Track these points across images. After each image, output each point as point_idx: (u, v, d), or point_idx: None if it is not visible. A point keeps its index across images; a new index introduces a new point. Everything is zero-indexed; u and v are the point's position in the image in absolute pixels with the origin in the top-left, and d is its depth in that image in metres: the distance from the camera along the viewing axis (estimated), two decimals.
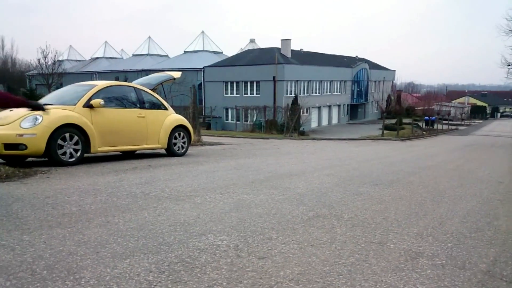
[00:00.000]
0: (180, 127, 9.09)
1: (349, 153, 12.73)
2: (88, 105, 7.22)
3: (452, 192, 6.07)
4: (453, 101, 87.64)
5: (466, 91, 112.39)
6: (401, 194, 5.69)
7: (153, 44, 59.77)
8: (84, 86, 7.87)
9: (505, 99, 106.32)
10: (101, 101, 7.35)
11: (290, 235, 3.51)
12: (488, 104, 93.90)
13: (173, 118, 8.97)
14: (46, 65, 39.00)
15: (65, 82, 36.89)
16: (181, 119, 9.22)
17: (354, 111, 53.84)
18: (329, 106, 46.48)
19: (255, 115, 36.23)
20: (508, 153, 16.29)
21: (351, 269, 2.82)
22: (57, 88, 27.15)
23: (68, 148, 6.82)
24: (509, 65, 17.39)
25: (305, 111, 36.10)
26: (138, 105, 8.26)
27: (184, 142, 9.24)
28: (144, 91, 8.58)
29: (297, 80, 39.29)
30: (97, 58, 63.15)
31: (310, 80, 41.59)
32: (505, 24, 30.42)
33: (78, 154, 6.98)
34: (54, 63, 39.79)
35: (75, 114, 6.96)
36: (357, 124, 48.35)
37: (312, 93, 42.26)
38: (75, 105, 7.10)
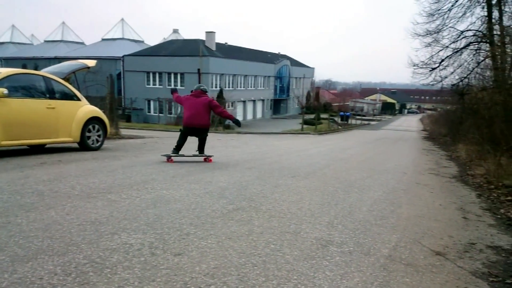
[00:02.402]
0: (94, 119, 8.58)
1: (271, 146, 13.07)
2: None
3: (361, 182, 6.53)
4: (366, 98, 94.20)
5: (378, 88, 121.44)
6: (316, 185, 5.99)
7: (68, 30, 55.53)
8: None
9: (411, 96, 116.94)
10: (5, 91, 6.69)
11: (208, 229, 3.51)
12: (397, 101, 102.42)
13: (86, 109, 8.45)
14: None
15: None
16: (95, 111, 8.71)
17: (277, 106, 55.31)
18: (254, 101, 47.20)
19: (179, 107, 35.45)
20: (413, 146, 17.95)
21: (266, 259, 2.91)
22: None
23: None
24: (414, 66, 19.03)
25: (230, 104, 36.25)
26: (48, 95, 7.64)
27: (99, 135, 8.74)
28: (54, 80, 7.96)
29: (222, 74, 39.26)
30: (2, 43, 57.14)
31: (235, 74, 41.81)
32: (412, 28, 33.34)
33: None
34: None
35: None
36: (280, 118, 49.75)
37: (237, 87, 42.54)
38: None
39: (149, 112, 38.64)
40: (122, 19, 50.42)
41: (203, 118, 7.60)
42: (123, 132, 13.92)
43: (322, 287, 2.53)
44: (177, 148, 7.61)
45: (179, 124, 30.49)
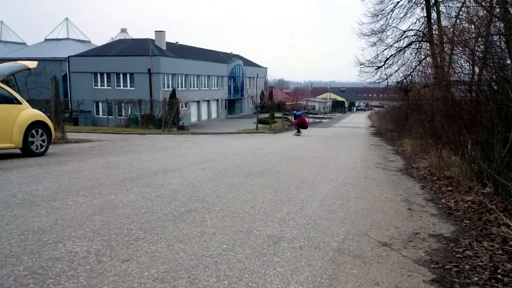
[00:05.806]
0: (38, 124, 8.15)
1: (226, 146, 13.03)
2: None
3: (313, 178, 6.68)
4: (317, 97, 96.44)
5: (328, 87, 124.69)
6: (269, 183, 6.05)
7: (7, 30, 52.11)
8: None
9: (360, 94, 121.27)
10: None
11: (159, 233, 3.44)
12: (346, 99, 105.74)
13: (28, 113, 8.00)
14: None
15: None
16: (38, 115, 8.27)
17: (231, 105, 55.25)
18: (208, 101, 46.82)
19: (129, 109, 34.39)
20: (361, 142, 18.61)
21: (218, 260, 2.90)
22: None
23: None
24: (361, 64, 19.74)
25: (184, 105, 35.67)
26: None
27: (43, 140, 8.31)
28: None
29: (174, 74, 38.58)
30: None
31: (187, 74, 41.23)
32: (358, 28, 34.45)
33: None
34: None
35: None
36: (235, 118, 49.71)
37: (190, 87, 41.97)
38: None
39: (98, 114, 37.15)
40: (67, 19, 48.13)
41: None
42: (70, 136, 13.31)
43: (272, 283, 2.57)
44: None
45: (130, 126, 29.74)
